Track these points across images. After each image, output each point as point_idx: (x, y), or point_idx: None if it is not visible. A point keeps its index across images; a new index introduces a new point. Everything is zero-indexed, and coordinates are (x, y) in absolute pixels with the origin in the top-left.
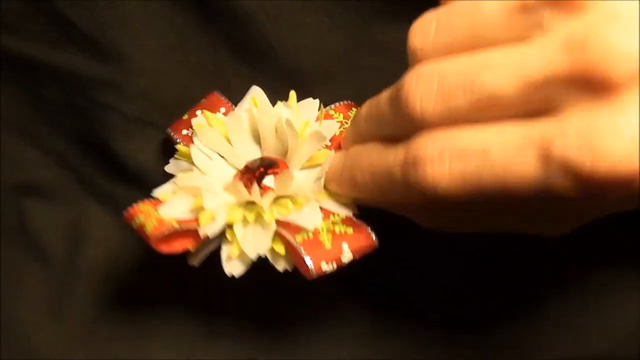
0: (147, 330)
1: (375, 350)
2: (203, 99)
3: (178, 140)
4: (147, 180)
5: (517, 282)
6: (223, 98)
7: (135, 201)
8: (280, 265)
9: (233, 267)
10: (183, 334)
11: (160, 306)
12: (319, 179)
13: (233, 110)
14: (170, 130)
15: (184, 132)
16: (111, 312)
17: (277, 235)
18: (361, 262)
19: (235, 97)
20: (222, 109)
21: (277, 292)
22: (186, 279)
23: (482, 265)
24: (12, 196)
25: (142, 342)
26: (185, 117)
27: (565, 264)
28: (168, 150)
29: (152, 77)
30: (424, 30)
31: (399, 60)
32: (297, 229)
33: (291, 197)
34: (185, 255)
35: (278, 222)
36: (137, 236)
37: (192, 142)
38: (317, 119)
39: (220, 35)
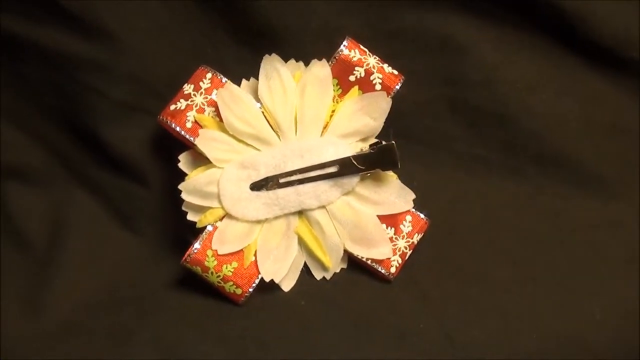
0: (128, 330)
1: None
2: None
3: (174, 127)
4: (137, 170)
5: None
6: (209, 70)
7: (126, 193)
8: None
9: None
10: (165, 334)
11: (142, 305)
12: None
13: (222, 80)
14: (164, 118)
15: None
16: (91, 309)
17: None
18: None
19: (235, 82)
20: (208, 76)
21: (264, 293)
22: (171, 278)
23: None
24: None
25: (121, 342)
26: (173, 107)
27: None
28: (160, 138)
29: (143, 59)
30: None
31: (416, 49)
32: None
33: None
34: (170, 255)
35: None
36: (120, 224)
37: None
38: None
39: (217, 16)
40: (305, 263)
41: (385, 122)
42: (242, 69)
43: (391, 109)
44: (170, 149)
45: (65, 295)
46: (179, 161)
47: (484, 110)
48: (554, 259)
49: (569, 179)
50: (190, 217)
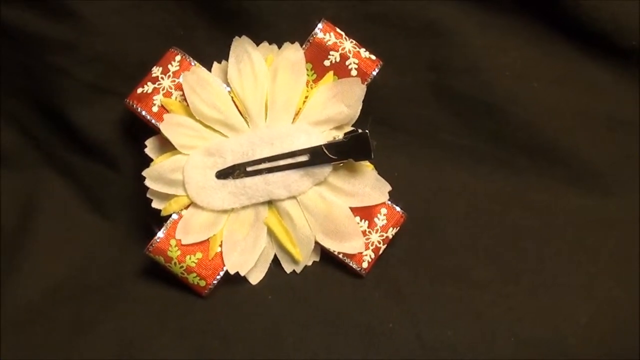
0: (91, 320)
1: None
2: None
3: (140, 111)
4: (108, 153)
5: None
6: (178, 52)
7: (96, 176)
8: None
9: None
10: (127, 326)
11: (108, 294)
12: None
13: (191, 63)
14: (130, 102)
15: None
16: (55, 298)
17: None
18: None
19: (207, 64)
20: (177, 58)
21: (231, 286)
22: (139, 267)
23: None
24: None
25: (83, 332)
26: (140, 90)
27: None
28: (130, 121)
29: (111, 40)
30: None
31: (398, 32)
32: None
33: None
34: (140, 242)
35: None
36: (90, 208)
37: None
38: None
39: None
40: (275, 255)
41: (365, 109)
42: (215, 50)
43: (372, 95)
44: (141, 133)
45: (32, 281)
46: (146, 146)
47: (470, 98)
48: (541, 258)
49: (561, 173)
50: (155, 204)
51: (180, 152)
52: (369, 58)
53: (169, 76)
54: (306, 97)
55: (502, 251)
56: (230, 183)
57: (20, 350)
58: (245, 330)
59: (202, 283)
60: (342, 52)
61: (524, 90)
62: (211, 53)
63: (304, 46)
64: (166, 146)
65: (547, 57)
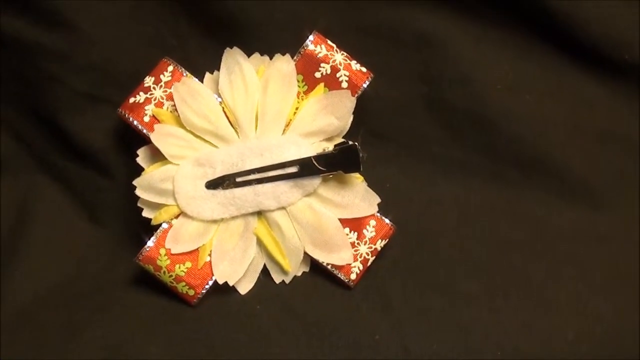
0: (80, 326)
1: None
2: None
3: (132, 121)
4: (101, 161)
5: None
6: (171, 63)
7: (90, 184)
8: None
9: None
10: (115, 333)
11: (98, 301)
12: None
13: (183, 74)
14: (122, 112)
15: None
16: (47, 302)
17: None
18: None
19: (200, 75)
20: (169, 69)
21: (220, 295)
22: (130, 274)
23: None
24: None
25: (71, 338)
26: (133, 100)
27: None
28: (124, 129)
29: (104, 48)
30: None
31: (391, 45)
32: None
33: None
34: (132, 250)
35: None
36: (84, 215)
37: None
38: None
39: (180, 5)
40: (264, 266)
41: (356, 121)
42: (207, 61)
43: (364, 107)
44: (134, 141)
45: (24, 286)
46: (138, 156)
47: (462, 110)
48: (530, 272)
49: (552, 186)
50: (146, 213)
51: (170, 162)
52: (360, 70)
53: (161, 86)
54: (296, 109)
55: (491, 264)
56: (219, 193)
57: (12, 354)
58: (233, 339)
59: (191, 292)
60: (333, 64)
61: (516, 103)
62: (204, 63)
63: (295, 58)
64: (157, 156)
65: (539, 70)
